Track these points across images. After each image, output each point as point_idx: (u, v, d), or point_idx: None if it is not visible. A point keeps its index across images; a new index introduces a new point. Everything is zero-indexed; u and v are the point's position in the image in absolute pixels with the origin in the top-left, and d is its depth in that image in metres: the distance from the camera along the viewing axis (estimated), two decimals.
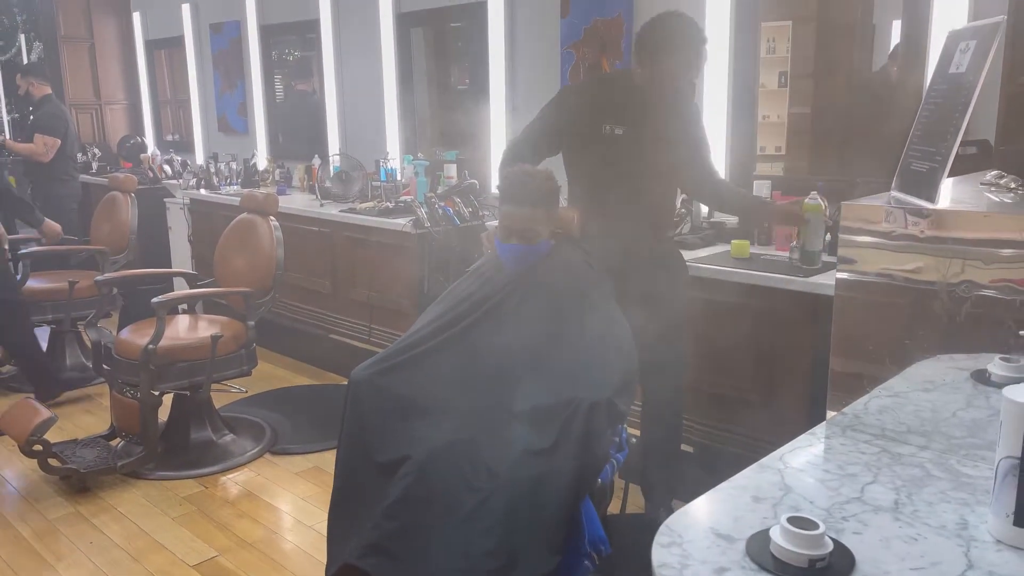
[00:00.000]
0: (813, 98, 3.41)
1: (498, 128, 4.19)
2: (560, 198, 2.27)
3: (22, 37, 8.93)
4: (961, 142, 2.35)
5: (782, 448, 1.28)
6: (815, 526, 0.96)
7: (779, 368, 2.70)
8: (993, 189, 1.48)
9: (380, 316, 4.18)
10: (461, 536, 1.70)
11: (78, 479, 3.16)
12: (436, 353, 2.04)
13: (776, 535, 0.97)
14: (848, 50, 3.35)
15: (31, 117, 5.71)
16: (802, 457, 1.26)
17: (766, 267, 2.75)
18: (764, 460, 1.24)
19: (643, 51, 2.40)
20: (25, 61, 8.74)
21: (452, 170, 4.22)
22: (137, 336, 3.25)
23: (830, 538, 0.97)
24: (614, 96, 2.50)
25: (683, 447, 2.95)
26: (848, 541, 1.00)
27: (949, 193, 1.65)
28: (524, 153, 2.51)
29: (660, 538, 1.02)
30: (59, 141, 5.05)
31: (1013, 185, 1.42)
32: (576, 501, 1.72)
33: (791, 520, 0.96)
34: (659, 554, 0.99)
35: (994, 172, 1.51)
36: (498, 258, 2.22)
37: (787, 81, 3.45)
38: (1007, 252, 1.21)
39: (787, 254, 2.81)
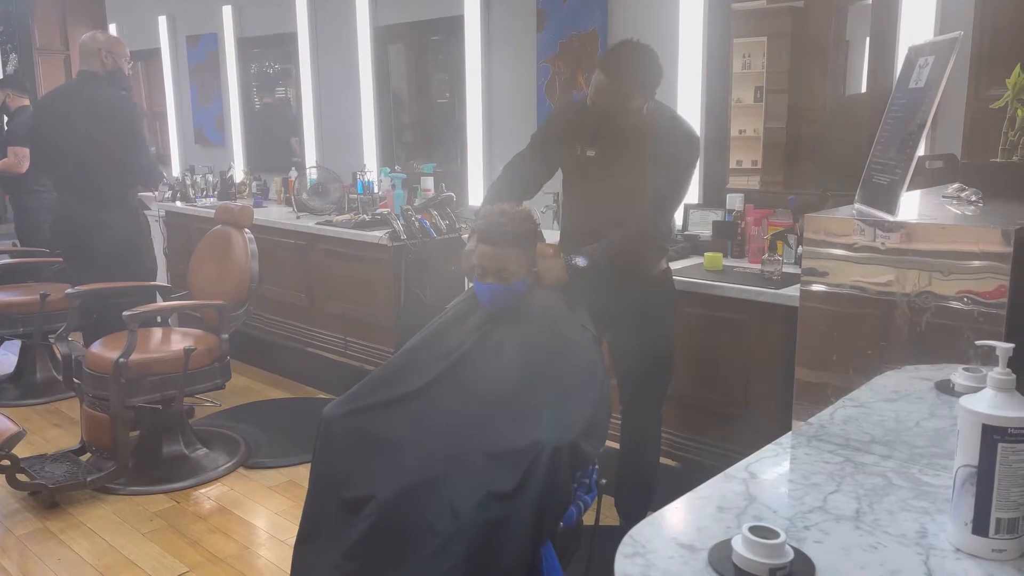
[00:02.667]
0: (788, 113, 3.46)
1: (475, 141, 4.21)
2: (540, 234, 2.28)
3: None
4: (929, 156, 2.39)
5: (748, 458, 1.28)
6: (776, 535, 0.96)
7: (753, 379, 2.72)
8: (955, 202, 1.51)
9: (356, 329, 4.17)
10: None
11: (47, 494, 3.11)
12: (408, 392, 2.03)
13: (737, 544, 0.97)
14: (823, 66, 3.40)
15: (6, 129, 5.65)
16: (767, 467, 1.26)
17: (739, 279, 2.77)
18: (729, 470, 1.24)
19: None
20: (1, 72, 8.68)
21: (429, 183, 4.23)
22: (108, 350, 3.21)
23: (791, 547, 0.97)
24: (586, 119, 2.48)
25: (668, 462, 2.96)
26: (809, 550, 1.01)
27: (914, 206, 1.67)
28: (519, 180, 2.54)
29: (624, 548, 1.02)
30: (27, 150, 4.98)
31: (974, 198, 1.44)
32: (536, 546, 1.71)
33: (752, 529, 0.97)
34: (622, 565, 0.99)
35: (956, 185, 1.53)
36: (473, 297, 2.22)
37: (763, 96, 3.50)
38: (967, 264, 1.22)
39: (759, 266, 2.83)
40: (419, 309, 3.74)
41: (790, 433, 1.41)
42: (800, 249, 2.74)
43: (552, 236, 3.57)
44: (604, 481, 2.02)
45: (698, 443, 2.92)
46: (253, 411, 4.06)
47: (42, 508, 3.09)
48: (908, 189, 2.12)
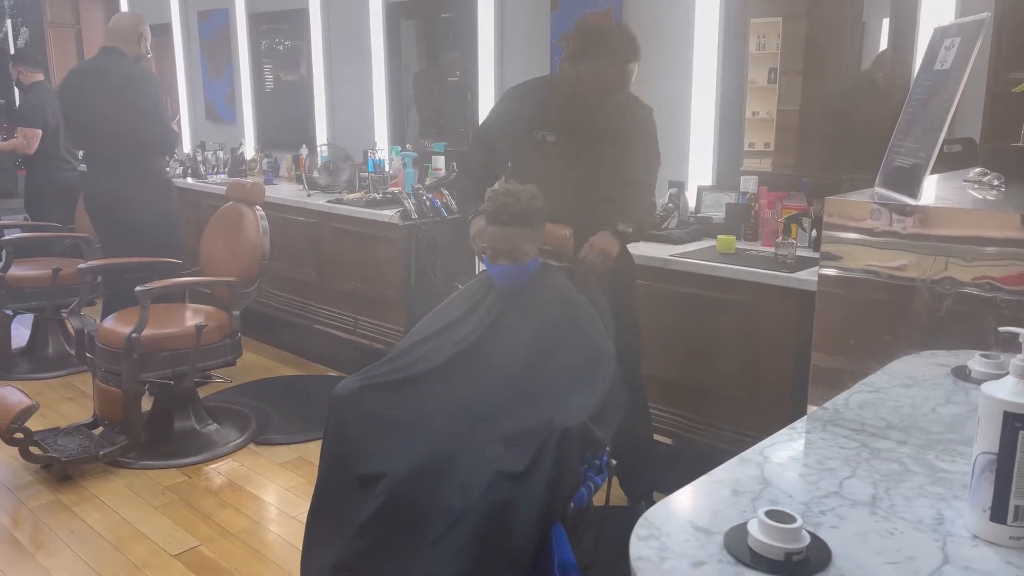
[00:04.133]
0: (802, 95, 3.42)
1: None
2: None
3: (8, 23, 8.84)
4: (946, 140, 2.37)
5: (762, 442, 1.28)
6: (792, 520, 0.96)
7: (764, 363, 2.71)
8: (976, 186, 1.49)
9: (366, 307, 4.17)
10: (430, 557, 1.70)
11: (60, 468, 3.14)
12: (421, 374, 2.03)
13: (753, 528, 0.97)
14: (838, 47, 3.36)
15: (18, 105, 5.65)
16: (782, 451, 1.26)
17: (752, 262, 2.76)
18: (744, 454, 1.24)
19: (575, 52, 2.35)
20: (12, 47, 8.66)
21: (440, 162, 4.20)
22: (121, 325, 3.23)
23: (807, 532, 0.97)
24: (550, 105, 2.43)
25: (669, 442, 2.96)
26: (825, 535, 1.01)
27: (933, 190, 1.66)
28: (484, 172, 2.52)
29: (639, 531, 1.02)
30: (39, 131, 4.99)
31: (996, 183, 1.42)
32: (545, 527, 1.72)
33: (768, 514, 0.97)
34: (637, 547, 0.99)
35: (977, 169, 1.51)
36: (487, 277, 2.22)
37: (777, 77, 3.46)
38: (988, 249, 1.21)
39: (773, 250, 2.81)
40: (429, 288, 3.73)
41: (805, 417, 1.41)
42: (814, 233, 2.73)
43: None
44: (615, 463, 2.02)
45: (709, 427, 2.92)
46: (264, 388, 4.08)
47: (55, 481, 3.12)
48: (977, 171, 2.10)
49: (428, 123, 4.82)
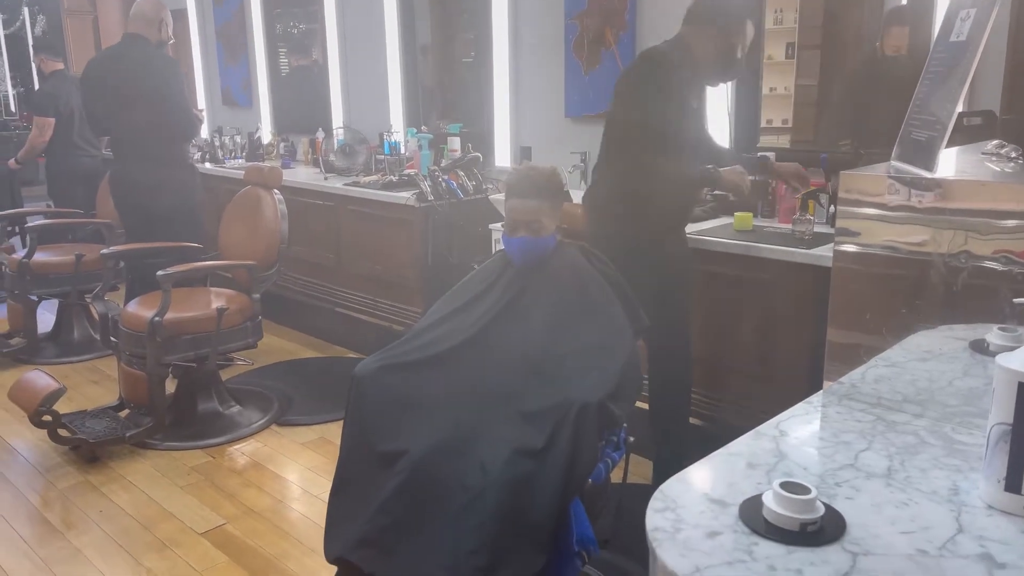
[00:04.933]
0: (820, 70, 3.38)
1: (502, 101, 4.17)
2: (567, 194, 2.29)
3: (26, 10, 8.90)
4: (966, 113, 2.34)
5: (778, 416, 1.29)
6: (807, 491, 0.97)
7: (781, 339, 2.71)
8: (994, 159, 1.48)
9: (384, 289, 4.20)
10: (451, 533, 1.72)
11: (87, 449, 3.20)
12: (440, 353, 2.05)
13: (769, 500, 0.98)
14: (856, 21, 3.32)
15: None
16: (797, 425, 1.27)
17: (769, 239, 2.75)
18: (760, 428, 1.25)
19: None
20: (29, 34, 8.73)
21: (456, 143, 4.21)
22: (144, 309, 3.27)
23: (822, 503, 0.98)
24: (685, 70, 2.56)
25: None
26: (840, 506, 1.02)
27: (952, 163, 1.65)
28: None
29: (654, 503, 1.04)
30: (52, 120, 5.04)
31: (1014, 155, 1.41)
32: (564, 502, 1.74)
33: (783, 485, 0.98)
34: (653, 519, 1.00)
35: (996, 142, 1.50)
36: (504, 257, 2.23)
37: (794, 52, 3.42)
38: (1005, 223, 1.21)
39: (790, 226, 2.80)
40: (446, 269, 3.76)
41: (821, 392, 1.42)
42: (832, 208, 2.71)
43: (580, 196, 3.57)
44: (632, 439, 2.04)
45: (725, 403, 2.93)
46: (285, 370, 4.13)
47: (83, 462, 3.19)
48: (947, 146, 2.08)
49: (444, 105, 4.82)
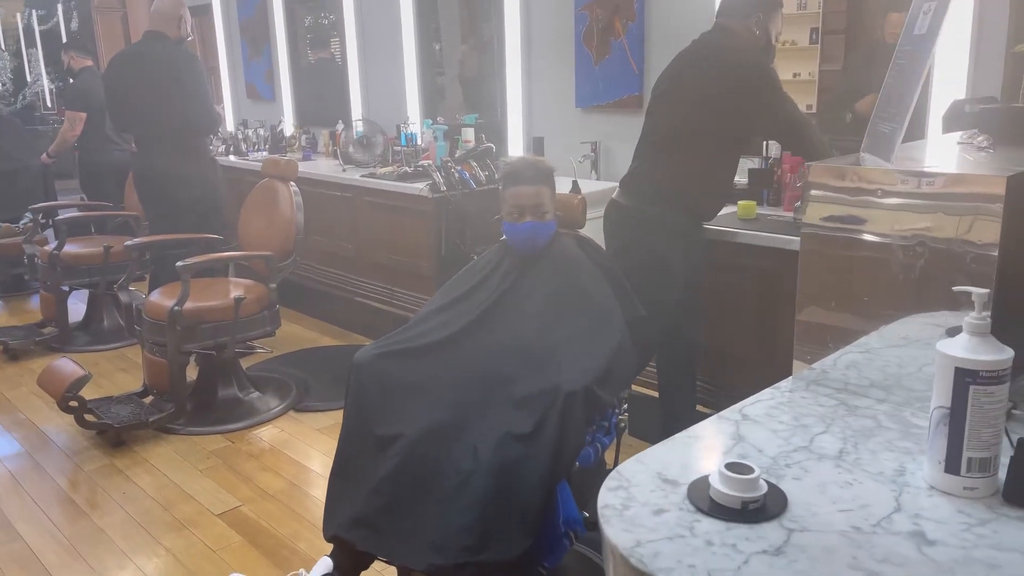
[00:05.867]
0: (845, 55, 3.37)
1: (514, 92, 4.21)
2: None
3: (60, 7, 9.12)
4: (970, 100, 2.33)
5: (743, 401, 1.33)
6: (750, 471, 1.02)
7: (783, 328, 2.72)
8: (969, 147, 1.50)
9: (400, 279, 4.27)
10: (442, 513, 1.79)
11: (113, 434, 3.33)
12: (438, 340, 2.12)
13: (714, 480, 1.03)
14: (883, 5, 3.29)
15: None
16: (760, 409, 1.30)
17: (770, 227, 2.76)
18: (723, 412, 1.29)
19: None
20: (63, 31, 8.95)
21: (470, 134, 4.26)
22: (165, 298, 3.38)
23: (765, 482, 1.03)
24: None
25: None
26: (787, 486, 1.06)
27: (926, 150, 1.67)
28: None
29: (609, 482, 1.09)
30: (84, 115, 5.18)
31: (985, 144, 1.43)
32: (552, 485, 1.80)
33: (728, 466, 1.02)
34: (604, 496, 1.06)
35: (973, 131, 1.52)
36: (501, 247, 2.29)
37: (819, 38, 3.40)
38: (962, 208, 1.23)
39: (792, 215, 2.82)
40: (459, 258, 3.81)
41: (791, 377, 1.45)
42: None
43: (593, 186, 3.61)
44: (624, 425, 2.08)
45: (725, 390, 2.95)
46: (303, 357, 4.23)
47: (108, 446, 3.31)
48: (948, 133, 2.08)
49: (460, 97, 4.87)
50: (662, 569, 0.90)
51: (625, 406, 2.40)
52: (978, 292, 1.00)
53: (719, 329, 2.89)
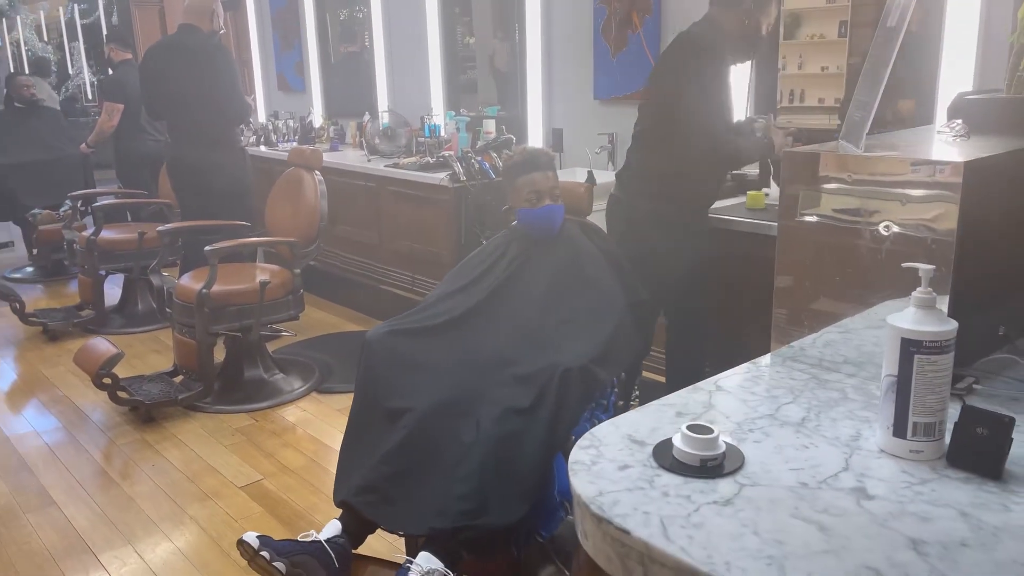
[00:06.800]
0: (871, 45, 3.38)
1: (534, 84, 4.29)
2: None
3: (101, 2, 9.39)
4: (982, 90, 2.36)
5: (720, 374, 1.41)
6: (710, 431, 1.10)
7: None
8: (945, 135, 1.55)
9: (421, 266, 4.38)
10: (443, 482, 1.90)
11: (144, 410, 3.49)
12: (445, 322, 2.23)
13: (677, 440, 1.11)
14: None
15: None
16: (735, 381, 1.38)
17: (774, 216, 2.81)
18: (699, 383, 1.37)
19: None
20: (103, 24, 9.21)
21: (491, 125, 4.35)
22: (194, 282, 3.53)
23: (724, 442, 1.11)
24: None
25: None
26: (746, 448, 1.14)
27: (904, 138, 1.72)
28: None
29: (582, 442, 1.18)
30: (121, 106, 5.37)
31: (963, 132, 1.48)
32: (548, 457, 1.90)
33: (690, 427, 1.11)
34: (576, 454, 1.14)
35: (956, 121, 1.57)
36: (509, 234, 2.39)
37: (847, 31, 3.42)
38: (923, 194, 1.29)
39: None
40: (478, 247, 3.91)
41: (769, 354, 1.53)
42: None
43: (608, 177, 3.68)
44: (622, 403, 2.16)
45: None
46: (327, 342, 4.37)
47: (140, 422, 3.47)
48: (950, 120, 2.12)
49: (482, 88, 4.96)
50: (619, 515, 0.98)
51: (637, 392, 2.48)
52: (924, 268, 1.07)
53: (727, 317, 2.95)
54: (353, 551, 2.01)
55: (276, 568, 1.85)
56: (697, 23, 2.71)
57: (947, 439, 1.10)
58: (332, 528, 1.99)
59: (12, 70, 9.64)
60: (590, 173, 3.44)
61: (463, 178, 3.94)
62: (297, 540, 1.94)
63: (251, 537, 1.90)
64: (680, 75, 2.56)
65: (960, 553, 0.89)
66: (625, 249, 2.55)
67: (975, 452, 1.05)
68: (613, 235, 2.77)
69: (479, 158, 3.99)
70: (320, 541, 1.92)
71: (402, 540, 2.31)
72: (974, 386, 1.31)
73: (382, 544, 2.45)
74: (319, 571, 1.87)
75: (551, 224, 2.33)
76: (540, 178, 2.31)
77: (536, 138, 4.31)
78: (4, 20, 10.79)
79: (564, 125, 4.20)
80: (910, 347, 1.06)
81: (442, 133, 4.70)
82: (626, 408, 2.24)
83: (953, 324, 1.06)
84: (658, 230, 2.64)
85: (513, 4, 4.44)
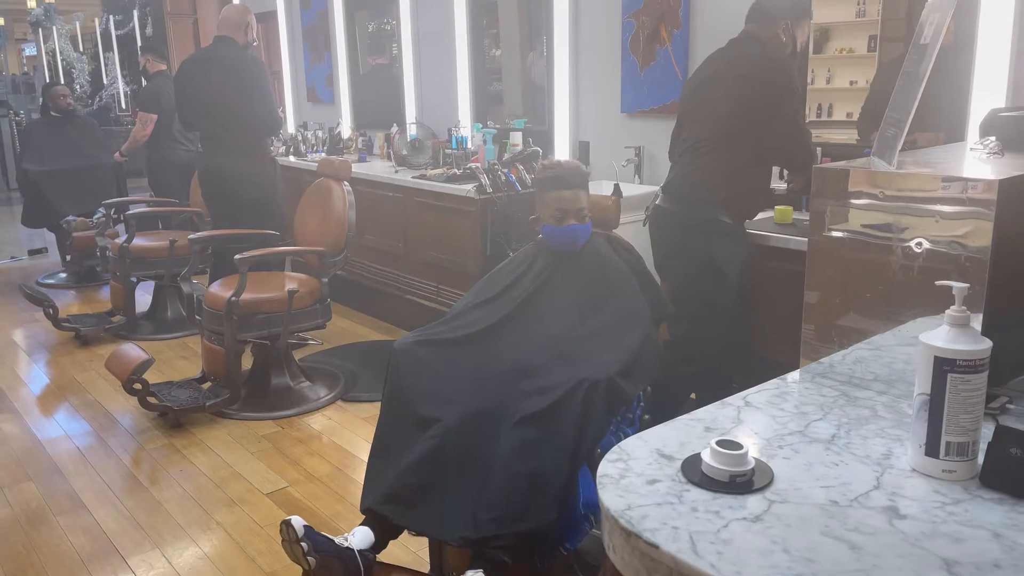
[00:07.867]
0: (904, 62, 3.37)
1: (561, 97, 4.31)
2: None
3: (136, 13, 9.57)
4: (1004, 109, 2.34)
5: (748, 389, 1.41)
6: (739, 447, 1.10)
7: None
8: (978, 152, 1.54)
9: (447, 277, 4.41)
10: (472, 492, 1.92)
11: (173, 416, 3.53)
12: (472, 333, 2.24)
13: (706, 455, 1.11)
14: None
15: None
16: (763, 397, 1.38)
17: (804, 232, 2.79)
18: (728, 398, 1.37)
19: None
20: (138, 36, 9.38)
21: (518, 137, 4.38)
22: (223, 290, 3.57)
23: (754, 458, 1.11)
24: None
25: None
26: (776, 464, 1.14)
27: (939, 154, 1.71)
28: None
29: (610, 455, 1.18)
30: (155, 116, 5.46)
31: (996, 149, 1.47)
32: (573, 469, 1.91)
33: (719, 442, 1.11)
34: (604, 467, 1.15)
35: (989, 138, 1.56)
36: (536, 246, 2.40)
37: (876, 45, 3.40)
38: (956, 211, 1.28)
39: None
40: (503, 258, 3.92)
41: (799, 370, 1.52)
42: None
43: (635, 190, 3.68)
44: (648, 417, 2.16)
45: None
46: (353, 351, 4.40)
47: (168, 427, 3.52)
48: (983, 137, 2.11)
49: (508, 101, 4.98)
50: (648, 529, 0.99)
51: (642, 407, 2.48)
52: (958, 286, 1.07)
53: (755, 331, 2.94)
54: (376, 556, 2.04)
55: (308, 560, 1.88)
56: (736, 40, 2.74)
57: (980, 459, 1.09)
58: (365, 538, 2.01)
59: (47, 79, 9.85)
60: (616, 186, 3.44)
61: (489, 190, 3.96)
62: (334, 541, 1.96)
63: (298, 523, 1.94)
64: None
65: (993, 574, 0.88)
66: (680, 262, 2.59)
67: (1009, 472, 1.04)
68: (664, 248, 2.80)
69: (506, 170, 4.01)
70: (353, 550, 1.95)
71: (426, 549, 2.32)
72: (1008, 406, 1.29)
73: (405, 553, 2.47)
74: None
75: (572, 244, 2.33)
76: (568, 196, 2.32)
77: (563, 151, 4.33)
78: (40, 30, 11.03)
79: (591, 138, 4.22)
80: (944, 366, 1.05)
81: (469, 145, 4.73)
82: (652, 422, 2.24)
83: (987, 343, 1.06)
84: (718, 237, 2.73)
85: (541, 17, 4.46)
